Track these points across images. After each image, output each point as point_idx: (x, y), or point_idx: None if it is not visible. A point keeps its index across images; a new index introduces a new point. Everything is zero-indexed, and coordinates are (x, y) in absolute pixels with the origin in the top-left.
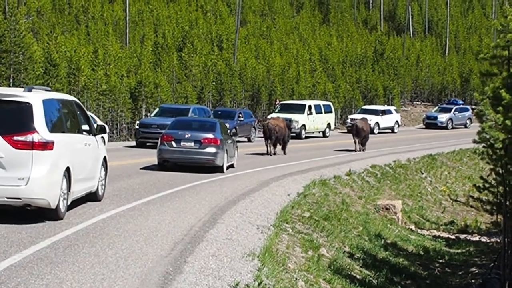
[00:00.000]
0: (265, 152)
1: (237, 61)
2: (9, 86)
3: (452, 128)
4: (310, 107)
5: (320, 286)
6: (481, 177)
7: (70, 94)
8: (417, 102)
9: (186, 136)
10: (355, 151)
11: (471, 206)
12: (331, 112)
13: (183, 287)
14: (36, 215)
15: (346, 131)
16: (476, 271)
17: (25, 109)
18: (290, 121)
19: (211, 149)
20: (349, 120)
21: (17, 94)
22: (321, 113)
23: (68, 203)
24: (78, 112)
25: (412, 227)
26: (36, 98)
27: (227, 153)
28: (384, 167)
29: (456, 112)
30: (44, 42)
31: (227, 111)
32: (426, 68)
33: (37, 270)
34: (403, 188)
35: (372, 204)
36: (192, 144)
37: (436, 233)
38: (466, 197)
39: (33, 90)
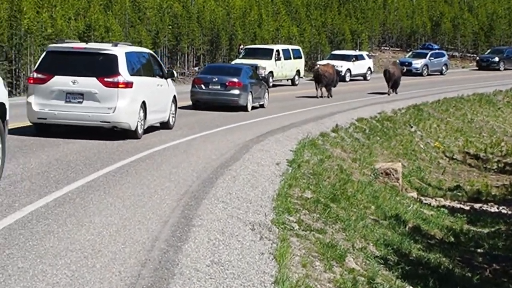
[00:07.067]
0: (315, 95)
1: (195, 3)
2: None
3: (428, 74)
4: (278, 52)
5: None
6: None
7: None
8: (385, 47)
9: (214, 80)
10: (388, 94)
11: (470, 165)
12: (300, 57)
13: None
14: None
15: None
16: None
17: (113, 58)
18: (256, 67)
19: (235, 91)
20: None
21: (107, 48)
22: (290, 58)
23: (145, 128)
24: (152, 61)
25: (414, 194)
26: (120, 51)
27: (251, 95)
28: (371, 121)
29: (432, 58)
30: None
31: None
32: (394, 11)
33: None
34: (395, 145)
35: (369, 168)
36: (219, 86)
37: (444, 202)
38: (462, 154)
39: (118, 45)
